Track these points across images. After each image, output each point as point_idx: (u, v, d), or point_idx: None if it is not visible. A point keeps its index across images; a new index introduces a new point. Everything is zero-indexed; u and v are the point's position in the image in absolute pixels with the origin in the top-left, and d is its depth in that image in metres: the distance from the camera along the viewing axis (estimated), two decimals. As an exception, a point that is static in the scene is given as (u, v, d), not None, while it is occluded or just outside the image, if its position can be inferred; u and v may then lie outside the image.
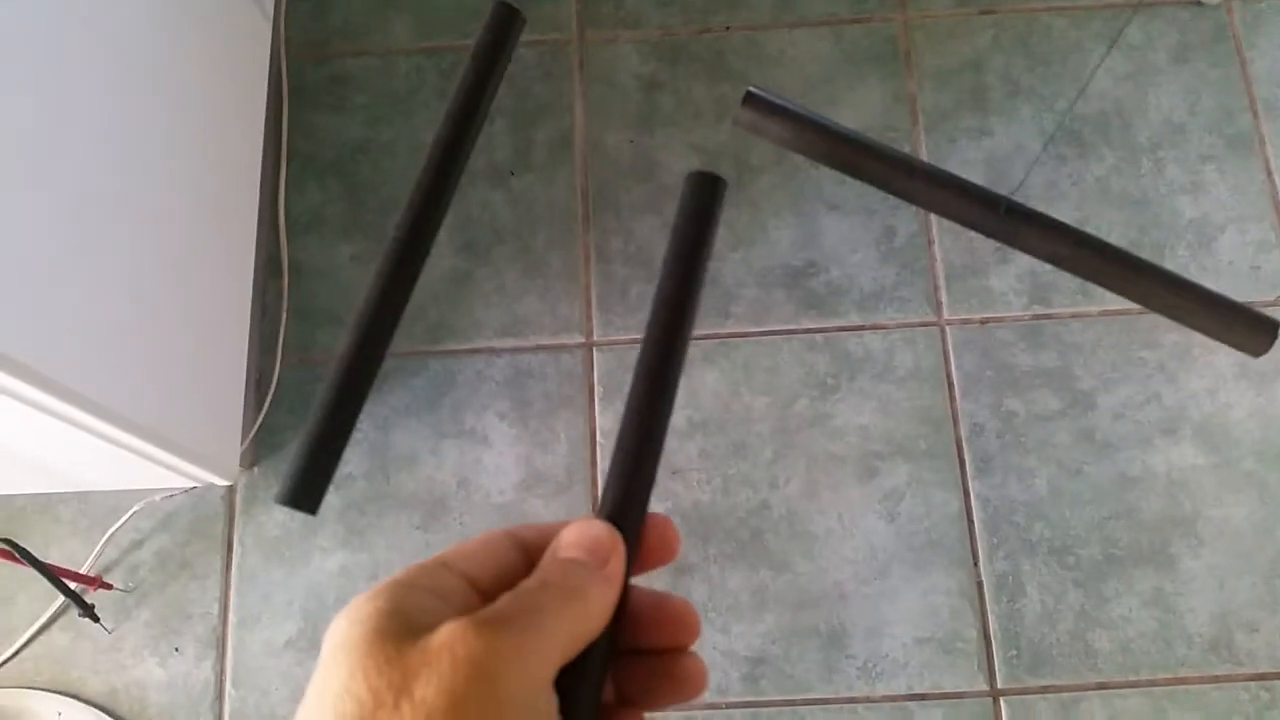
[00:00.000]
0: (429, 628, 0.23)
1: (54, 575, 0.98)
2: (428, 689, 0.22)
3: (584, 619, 0.25)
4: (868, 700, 1.03)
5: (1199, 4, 1.28)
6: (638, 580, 0.28)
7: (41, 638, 1.07)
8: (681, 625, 0.28)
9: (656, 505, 1.11)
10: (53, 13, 0.79)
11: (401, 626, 0.23)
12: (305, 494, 0.32)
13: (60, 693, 1.04)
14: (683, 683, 0.28)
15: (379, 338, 0.37)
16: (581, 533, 0.27)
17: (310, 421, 0.34)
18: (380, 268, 0.35)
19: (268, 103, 1.23)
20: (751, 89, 0.37)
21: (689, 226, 0.31)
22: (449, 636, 0.23)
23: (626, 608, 0.27)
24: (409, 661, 0.22)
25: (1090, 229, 0.33)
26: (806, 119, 0.37)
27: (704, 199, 0.31)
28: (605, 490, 0.28)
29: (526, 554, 0.28)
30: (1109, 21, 1.28)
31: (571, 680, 0.25)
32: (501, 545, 0.28)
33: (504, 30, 0.39)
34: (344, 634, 0.23)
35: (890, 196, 1.16)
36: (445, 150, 0.37)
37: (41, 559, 0.96)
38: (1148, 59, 1.26)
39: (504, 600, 0.25)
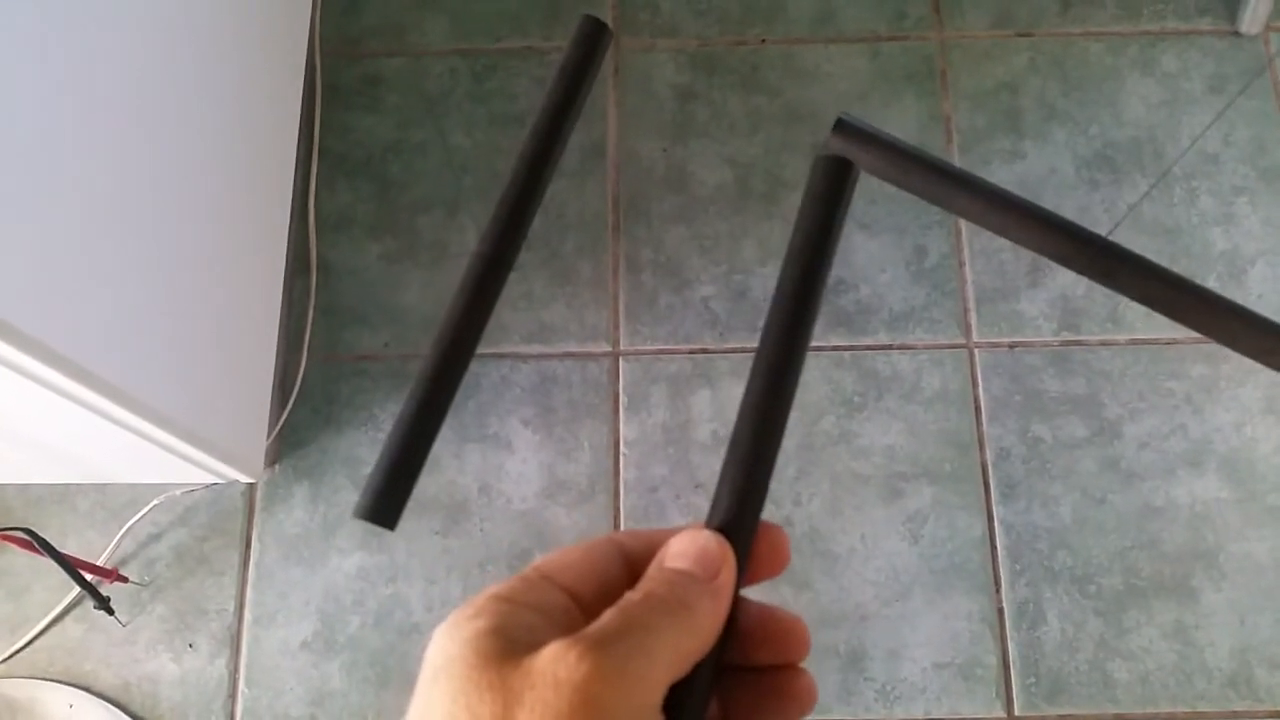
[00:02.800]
0: (532, 647, 0.23)
1: (70, 566, 0.97)
2: (532, 716, 0.21)
3: (692, 635, 0.24)
4: (886, 723, 1.03)
5: (1236, 34, 1.28)
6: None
7: (55, 629, 1.06)
8: (791, 640, 0.27)
9: (679, 519, 1.10)
10: (91, 8, 0.78)
11: (504, 647, 0.23)
12: (384, 510, 0.32)
13: (72, 685, 1.04)
14: (791, 701, 0.26)
15: (461, 354, 0.36)
16: (690, 542, 0.26)
17: (391, 437, 0.34)
18: (463, 284, 0.35)
19: (301, 101, 1.23)
20: (843, 116, 0.37)
21: (816, 213, 0.29)
22: (552, 659, 0.22)
23: (735, 622, 0.26)
24: (512, 686, 0.22)
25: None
26: (898, 149, 0.37)
27: (833, 184, 0.29)
28: (716, 497, 0.27)
29: (629, 563, 0.27)
30: (1145, 49, 1.28)
31: (676, 697, 0.24)
32: (604, 554, 0.27)
33: (592, 45, 0.39)
34: (446, 654, 0.23)
35: (921, 216, 1.14)
36: (531, 166, 0.37)
37: (58, 549, 0.96)
38: (1182, 88, 1.26)
39: (608, 617, 0.24)
